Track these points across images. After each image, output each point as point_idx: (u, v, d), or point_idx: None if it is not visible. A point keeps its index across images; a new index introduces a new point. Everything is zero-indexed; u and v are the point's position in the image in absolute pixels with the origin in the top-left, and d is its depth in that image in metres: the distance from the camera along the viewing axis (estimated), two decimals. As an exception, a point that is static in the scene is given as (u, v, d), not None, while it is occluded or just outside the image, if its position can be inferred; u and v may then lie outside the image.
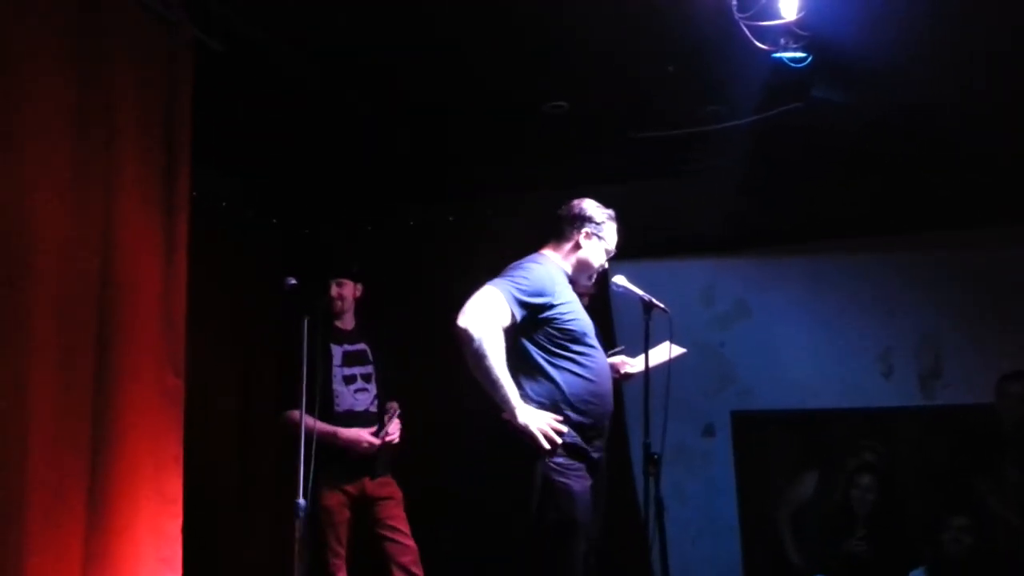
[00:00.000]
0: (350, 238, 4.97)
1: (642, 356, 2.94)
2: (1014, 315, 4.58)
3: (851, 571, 3.95)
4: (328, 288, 3.52)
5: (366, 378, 3.47)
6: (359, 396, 3.43)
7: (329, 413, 3.35)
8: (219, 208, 4.27)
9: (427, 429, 4.80)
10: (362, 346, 3.54)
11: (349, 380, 3.45)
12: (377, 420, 3.44)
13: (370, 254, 4.69)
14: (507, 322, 2.65)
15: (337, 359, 3.47)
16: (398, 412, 3.46)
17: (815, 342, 4.91)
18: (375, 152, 4.40)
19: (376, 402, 3.50)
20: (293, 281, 3.09)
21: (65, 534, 2.10)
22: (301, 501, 2.78)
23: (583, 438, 2.71)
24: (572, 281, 2.93)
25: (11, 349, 2.01)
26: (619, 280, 3.05)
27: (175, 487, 2.41)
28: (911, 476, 4.52)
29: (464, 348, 2.58)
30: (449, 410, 4.58)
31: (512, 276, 2.74)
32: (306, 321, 2.93)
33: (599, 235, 2.95)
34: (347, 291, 3.57)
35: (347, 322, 3.58)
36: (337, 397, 3.42)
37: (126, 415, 2.30)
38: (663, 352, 3.03)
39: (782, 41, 3.01)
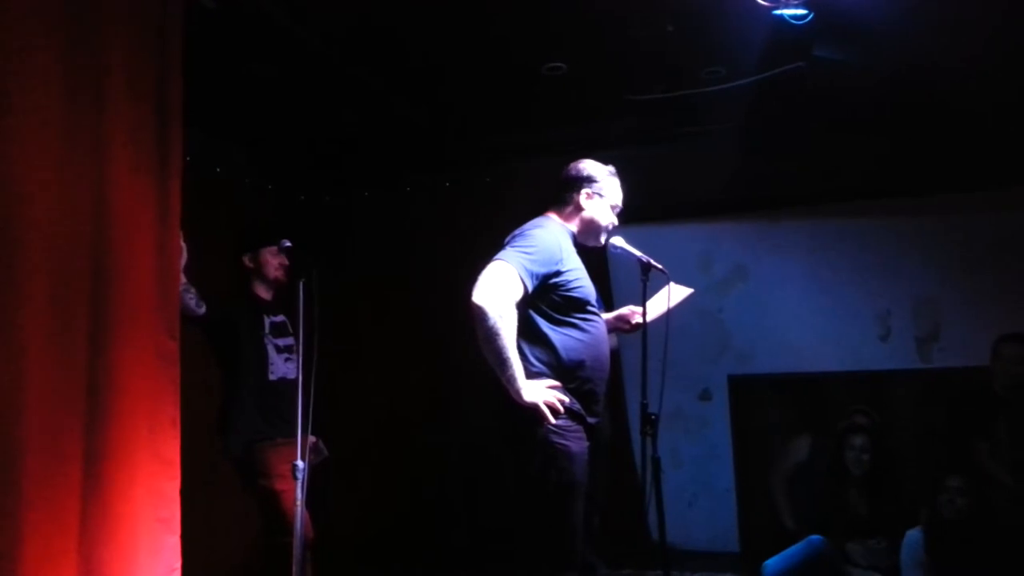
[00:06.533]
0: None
1: (649, 305, 2.93)
2: (1011, 279, 4.58)
3: (847, 533, 3.97)
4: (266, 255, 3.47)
5: (289, 348, 3.46)
6: (288, 365, 3.43)
7: (263, 380, 3.35)
8: (214, 172, 4.24)
9: (432, 393, 4.84)
10: (282, 317, 3.52)
11: (278, 349, 3.44)
12: (304, 389, 3.35)
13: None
14: (520, 296, 2.64)
15: (266, 328, 3.45)
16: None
17: (813, 306, 4.91)
18: (371, 116, 4.36)
19: (300, 372, 3.44)
20: (288, 243, 3.07)
21: (62, 496, 2.10)
22: (300, 463, 2.78)
23: (582, 403, 2.73)
24: (581, 243, 2.92)
25: (6, 314, 2.00)
26: (617, 241, 3.04)
27: (172, 449, 2.41)
28: (907, 438, 4.55)
29: (478, 325, 2.57)
30: (453, 374, 4.58)
31: (520, 247, 2.70)
32: (301, 283, 2.90)
33: (600, 193, 2.92)
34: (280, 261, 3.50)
35: (266, 293, 3.52)
36: (271, 365, 3.41)
37: (122, 377, 2.29)
38: (665, 297, 3.01)
39: (783, -3, 2.97)
